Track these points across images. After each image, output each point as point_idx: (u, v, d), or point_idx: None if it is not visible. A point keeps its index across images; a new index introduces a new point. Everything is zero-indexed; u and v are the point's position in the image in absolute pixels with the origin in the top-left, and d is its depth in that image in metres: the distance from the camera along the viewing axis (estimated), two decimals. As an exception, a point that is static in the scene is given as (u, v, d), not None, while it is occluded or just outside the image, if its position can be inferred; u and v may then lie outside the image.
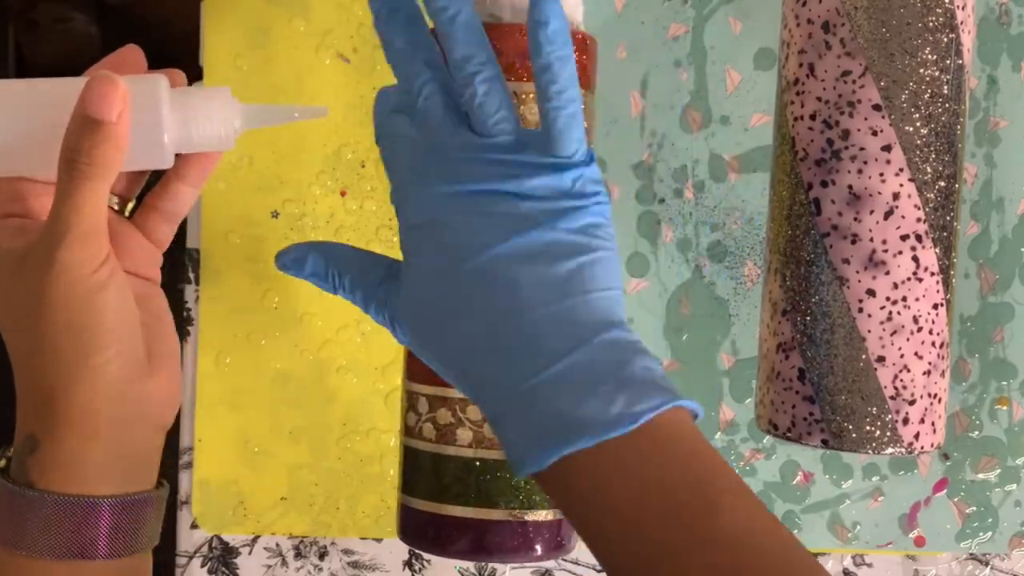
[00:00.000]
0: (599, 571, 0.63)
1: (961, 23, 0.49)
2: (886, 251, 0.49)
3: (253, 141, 0.60)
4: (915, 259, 0.49)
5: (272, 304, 0.61)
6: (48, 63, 1.17)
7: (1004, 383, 0.62)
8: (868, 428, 0.49)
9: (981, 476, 0.62)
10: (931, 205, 0.49)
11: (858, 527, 0.62)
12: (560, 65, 0.40)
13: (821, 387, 0.50)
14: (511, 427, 0.38)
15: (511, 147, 0.41)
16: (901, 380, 0.49)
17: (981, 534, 0.62)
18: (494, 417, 0.39)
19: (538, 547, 0.49)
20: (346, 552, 0.63)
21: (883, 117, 0.49)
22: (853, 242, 0.49)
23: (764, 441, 0.61)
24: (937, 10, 0.48)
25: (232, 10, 0.61)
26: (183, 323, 0.62)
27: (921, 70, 0.49)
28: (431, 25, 0.42)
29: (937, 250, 0.50)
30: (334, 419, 0.62)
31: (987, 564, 0.63)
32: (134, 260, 0.45)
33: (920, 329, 0.50)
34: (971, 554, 0.63)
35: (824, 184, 0.50)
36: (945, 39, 0.49)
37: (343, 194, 0.61)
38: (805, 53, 0.50)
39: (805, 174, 0.50)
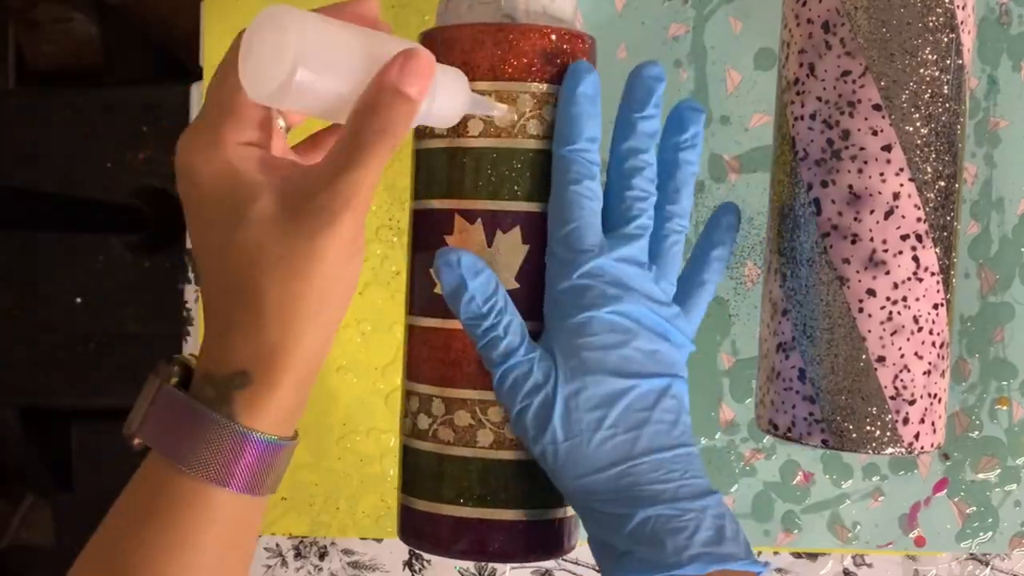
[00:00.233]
0: (599, 572, 0.63)
1: (961, 23, 0.49)
2: (886, 251, 0.49)
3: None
4: (915, 259, 0.49)
5: (272, 304, 0.61)
6: (48, 63, 1.17)
7: (1004, 383, 0.62)
8: (868, 428, 0.49)
9: (981, 476, 0.62)
10: (931, 205, 0.49)
11: (858, 527, 0.62)
12: (718, 275, 0.52)
13: (821, 387, 0.50)
14: (683, 531, 0.44)
15: (673, 302, 0.49)
16: (901, 380, 0.49)
17: (981, 534, 0.62)
18: (654, 519, 0.45)
19: (539, 547, 0.49)
20: (346, 552, 0.63)
21: (883, 117, 0.49)
22: (853, 242, 0.49)
23: (764, 441, 0.61)
24: (937, 10, 0.48)
25: (232, 10, 0.61)
26: (183, 323, 0.62)
27: (921, 70, 0.49)
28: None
29: (937, 250, 0.50)
30: (334, 419, 0.62)
31: (987, 564, 0.63)
32: None
33: (920, 329, 0.50)
34: (971, 554, 0.63)
35: (824, 184, 0.50)
36: (945, 39, 0.49)
37: (343, 194, 0.61)
38: (805, 53, 0.50)
39: (805, 174, 0.50)
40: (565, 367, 0.46)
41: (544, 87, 0.48)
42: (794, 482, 0.62)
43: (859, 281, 0.49)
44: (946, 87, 0.49)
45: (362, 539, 0.63)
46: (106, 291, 1.06)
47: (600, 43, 0.52)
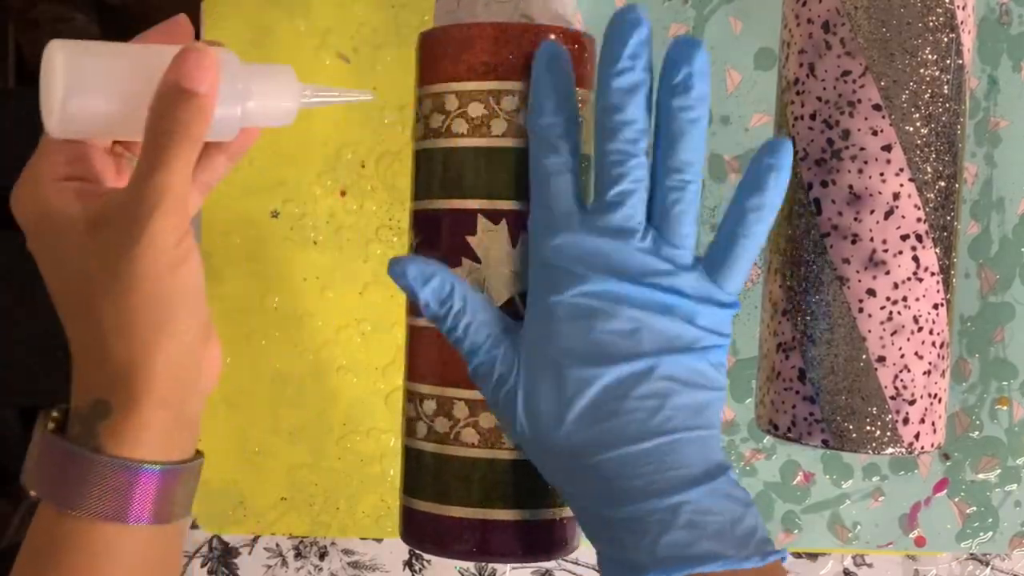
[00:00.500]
0: (599, 571, 0.63)
1: (961, 23, 0.49)
2: (886, 251, 0.49)
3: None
4: (915, 259, 0.49)
5: (272, 304, 0.61)
6: (48, 63, 1.17)
7: (1004, 383, 0.62)
8: (868, 428, 0.49)
9: (981, 476, 0.62)
10: (931, 205, 0.49)
11: (858, 527, 0.62)
12: (769, 213, 0.45)
13: (821, 387, 0.50)
14: (649, 533, 0.42)
15: (691, 266, 0.44)
16: (901, 380, 0.49)
17: (981, 534, 0.62)
18: (624, 520, 0.42)
19: (541, 547, 0.49)
20: (346, 552, 0.63)
21: (883, 117, 0.49)
22: (853, 242, 0.49)
23: (764, 441, 0.61)
24: (937, 10, 0.48)
25: (232, 10, 0.61)
26: (183, 323, 0.62)
27: (921, 70, 0.49)
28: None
29: (937, 250, 0.50)
30: (334, 419, 0.62)
31: (987, 564, 0.63)
32: None
33: (920, 329, 0.49)
34: (971, 554, 0.63)
35: (824, 184, 0.50)
36: (945, 39, 0.49)
37: (343, 194, 0.61)
38: (805, 53, 0.50)
39: (805, 174, 0.50)
40: (528, 360, 0.44)
41: None
42: (794, 482, 0.62)
43: (859, 281, 0.49)
44: (946, 87, 0.49)
45: (362, 539, 0.63)
46: (106, 291, 1.06)
47: (600, 43, 0.51)
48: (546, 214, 0.45)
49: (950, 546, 0.62)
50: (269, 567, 0.63)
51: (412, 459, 0.50)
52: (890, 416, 0.49)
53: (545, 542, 0.49)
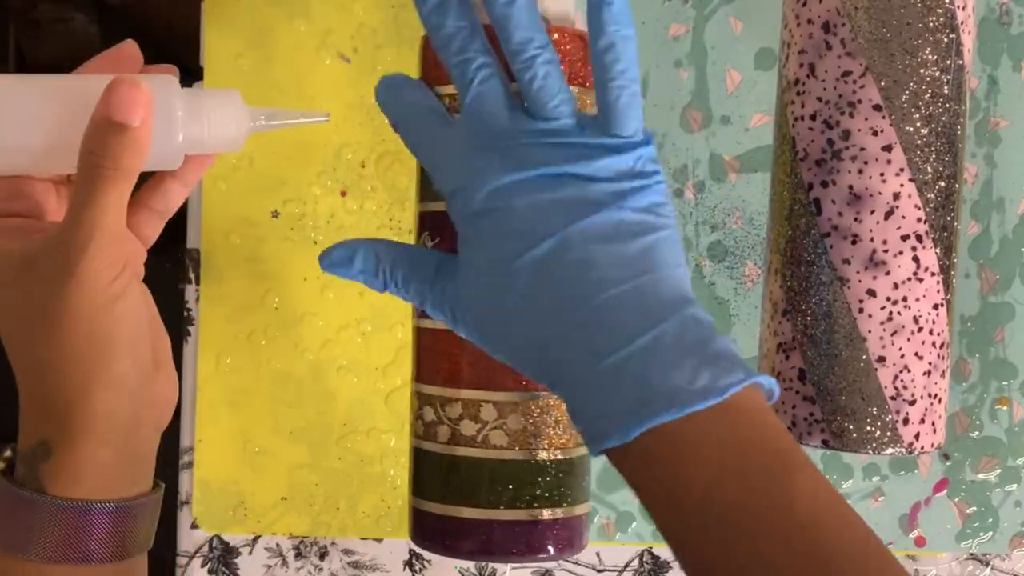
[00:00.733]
0: (599, 571, 0.63)
1: (961, 23, 0.49)
2: (886, 251, 0.49)
3: (254, 141, 0.60)
4: (915, 259, 0.49)
5: (272, 304, 0.61)
6: (48, 63, 1.17)
7: (1004, 383, 0.62)
8: (868, 428, 0.49)
9: (981, 476, 0.62)
10: (931, 205, 0.49)
11: (858, 527, 0.62)
12: (624, 44, 0.41)
13: (821, 387, 0.50)
14: (594, 403, 0.38)
15: (572, 130, 0.41)
16: (901, 380, 0.49)
17: (981, 534, 0.62)
18: (573, 398, 0.39)
19: (550, 547, 0.49)
20: (346, 552, 0.63)
21: (883, 117, 0.49)
22: (853, 242, 0.49)
23: (764, 441, 0.61)
24: (937, 10, 0.48)
25: (232, 10, 0.61)
26: (183, 323, 0.62)
27: (921, 70, 0.49)
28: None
29: (937, 250, 0.50)
30: (334, 419, 0.62)
31: (987, 564, 0.63)
32: None
33: (920, 329, 0.50)
34: (971, 554, 0.63)
35: (824, 184, 0.50)
36: (945, 39, 0.49)
37: (343, 194, 0.61)
38: (805, 53, 0.50)
39: (805, 174, 0.50)
40: (464, 280, 0.42)
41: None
42: (794, 482, 0.62)
43: (859, 281, 0.49)
44: (946, 87, 0.49)
45: (362, 539, 0.63)
46: (106, 291, 1.06)
47: (600, 43, 0.51)
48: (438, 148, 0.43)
49: (950, 546, 0.62)
50: (269, 567, 0.63)
51: (420, 460, 0.50)
52: (890, 416, 0.49)
53: (558, 541, 0.49)
